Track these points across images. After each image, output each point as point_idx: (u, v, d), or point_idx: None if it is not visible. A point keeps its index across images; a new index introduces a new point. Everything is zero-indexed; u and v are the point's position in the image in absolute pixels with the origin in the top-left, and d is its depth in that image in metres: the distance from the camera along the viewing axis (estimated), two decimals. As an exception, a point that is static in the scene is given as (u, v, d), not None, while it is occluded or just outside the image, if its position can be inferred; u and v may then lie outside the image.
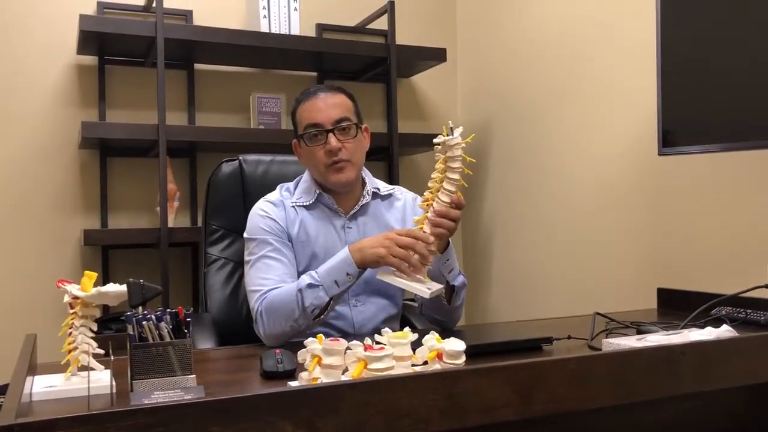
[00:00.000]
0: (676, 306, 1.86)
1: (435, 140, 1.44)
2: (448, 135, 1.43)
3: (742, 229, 1.88)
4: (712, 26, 1.72)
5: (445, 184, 1.46)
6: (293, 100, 1.78)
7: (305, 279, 1.52)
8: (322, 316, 1.53)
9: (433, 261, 1.53)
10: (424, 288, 1.47)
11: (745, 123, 1.65)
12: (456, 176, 1.45)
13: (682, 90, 1.77)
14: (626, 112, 2.25)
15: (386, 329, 1.17)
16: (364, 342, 1.09)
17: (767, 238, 1.81)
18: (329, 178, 1.67)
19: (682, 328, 1.43)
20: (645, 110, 2.14)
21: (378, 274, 1.52)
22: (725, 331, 1.31)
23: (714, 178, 1.96)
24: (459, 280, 1.63)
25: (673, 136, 1.79)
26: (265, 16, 2.60)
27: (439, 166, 1.46)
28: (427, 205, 1.49)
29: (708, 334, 1.30)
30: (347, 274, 1.50)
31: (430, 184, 1.50)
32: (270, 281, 1.59)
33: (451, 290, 1.62)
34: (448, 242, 1.57)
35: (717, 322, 1.45)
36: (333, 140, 1.65)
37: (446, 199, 1.46)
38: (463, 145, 1.43)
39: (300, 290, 1.51)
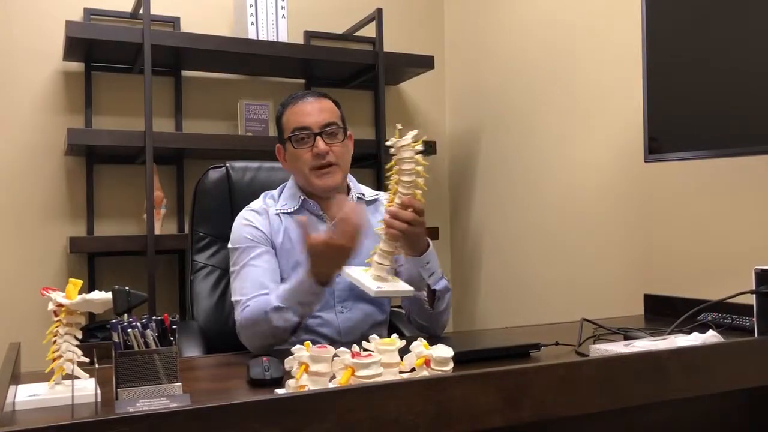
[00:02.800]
0: (663, 312, 1.87)
1: (387, 143, 1.48)
2: (398, 137, 1.46)
3: (728, 234, 1.89)
4: (697, 34, 1.74)
5: (399, 187, 1.50)
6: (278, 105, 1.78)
7: (273, 301, 1.51)
8: (298, 329, 1.53)
9: (413, 263, 1.54)
10: (373, 286, 1.47)
11: (731, 130, 1.66)
12: (407, 178, 1.48)
13: (668, 97, 1.78)
14: (613, 120, 2.27)
15: (374, 336, 1.16)
16: (352, 349, 1.09)
17: (753, 244, 1.83)
18: (315, 182, 1.66)
19: (669, 333, 1.44)
20: (631, 117, 2.15)
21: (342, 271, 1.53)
22: (711, 336, 1.32)
23: (700, 185, 1.97)
24: (441, 285, 1.63)
25: (659, 143, 1.80)
26: (252, 23, 2.60)
27: (394, 167, 1.50)
28: (389, 206, 1.52)
29: (694, 339, 1.31)
30: (312, 294, 1.49)
31: (390, 187, 1.54)
32: (251, 290, 1.58)
33: (432, 294, 1.62)
34: (428, 244, 1.57)
35: (703, 328, 1.46)
36: (321, 143, 1.65)
37: (398, 200, 1.50)
38: (417, 147, 1.46)
39: (266, 312, 1.50)
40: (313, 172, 1.66)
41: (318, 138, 1.65)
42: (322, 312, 1.67)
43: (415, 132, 1.46)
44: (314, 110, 1.68)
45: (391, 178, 1.51)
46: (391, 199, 1.52)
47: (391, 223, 1.49)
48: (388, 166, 1.51)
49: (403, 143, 1.46)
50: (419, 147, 1.47)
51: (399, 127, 1.47)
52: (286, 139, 1.70)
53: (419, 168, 1.48)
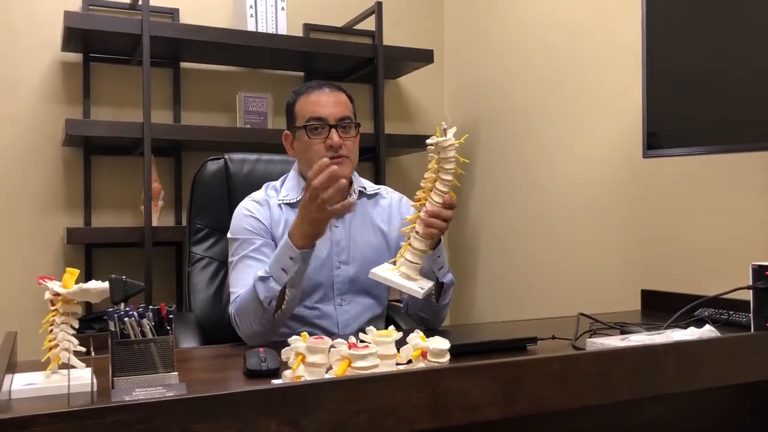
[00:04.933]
0: (660, 307, 1.87)
1: (428, 141, 1.44)
2: (441, 136, 1.43)
3: (725, 230, 1.90)
4: (697, 30, 1.73)
5: (438, 185, 1.46)
6: (284, 97, 1.78)
7: (259, 273, 1.51)
8: (282, 307, 1.51)
9: (425, 258, 1.53)
10: (417, 287, 1.46)
11: (729, 126, 1.66)
12: (449, 177, 1.45)
13: (666, 93, 1.78)
14: (612, 115, 2.27)
15: (371, 327, 1.16)
16: (349, 340, 1.09)
17: (750, 240, 1.83)
18: None
19: (665, 328, 1.44)
20: (630, 112, 2.15)
21: (370, 273, 1.51)
22: (708, 331, 1.32)
23: (698, 180, 1.98)
24: (448, 278, 1.64)
25: (658, 138, 1.80)
26: (252, 16, 2.59)
27: (432, 166, 1.47)
28: (420, 204, 1.49)
29: (690, 334, 1.31)
30: (290, 258, 1.47)
31: (422, 184, 1.50)
32: (247, 282, 1.57)
33: (440, 287, 1.62)
34: (440, 239, 1.57)
35: (700, 323, 1.46)
36: (336, 136, 1.65)
37: (438, 199, 1.47)
38: (456, 146, 1.44)
39: (254, 285, 1.50)
40: None
41: (333, 130, 1.66)
42: (320, 304, 1.67)
43: (454, 129, 1.43)
44: (330, 102, 1.69)
45: (427, 176, 1.48)
46: (423, 197, 1.49)
47: (432, 222, 1.46)
48: (429, 165, 1.47)
49: (449, 143, 1.42)
50: (458, 144, 1.44)
51: (444, 125, 1.43)
52: (299, 127, 1.70)
53: (458, 164, 1.45)
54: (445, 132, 1.43)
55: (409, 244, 1.49)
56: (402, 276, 1.47)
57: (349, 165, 1.68)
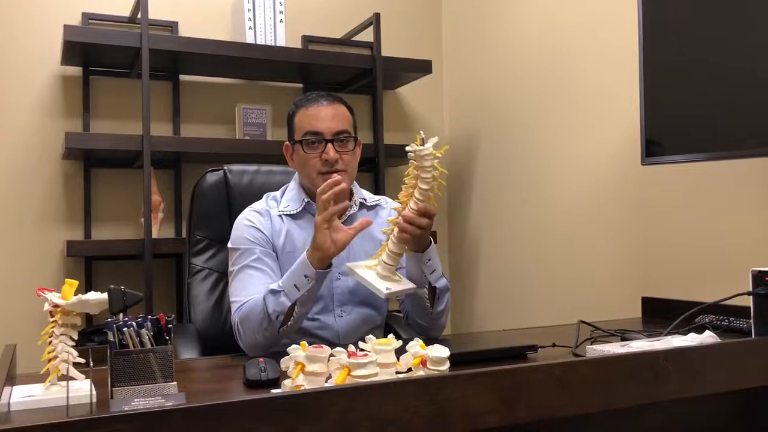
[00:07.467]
0: (661, 314, 1.87)
1: (407, 148, 1.46)
2: (420, 145, 1.44)
3: (725, 236, 1.90)
4: (694, 37, 1.74)
5: (416, 193, 1.49)
6: (283, 108, 1.78)
7: (271, 285, 1.52)
8: (289, 323, 1.52)
9: (414, 260, 1.55)
10: (383, 287, 1.48)
11: (727, 132, 1.67)
12: (426, 186, 1.47)
13: (664, 100, 1.79)
14: (610, 123, 2.27)
15: (370, 336, 1.16)
16: (348, 349, 1.09)
17: (750, 246, 1.83)
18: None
19: (666, 335, 1.44)
20: (628, 120, 2.15)
21: (345, 265, 1.53)
22: (708, 337, 1.32)
23: (697, 187, 1.98)
24: (441, 283, 1.63)
25: (656, 145, 1.81)
26: (250, 28, 2.60)
27: (411, 172, 1.49)
28: (401, 208, 1.52)
29: (691, 340, 1.31)
30: (305, 276, 1.48)
31: (403, 189, 1.53)
32: (250, 292, 1.58)
33: (432, 292, 1.62)
34: (430, 242, 1.57)
35: (700, 330, 1.46)
36: (332, 151, 1.65)
37: (414, 206, 1.49)
38: (439, 155, 1.45)
39: (264, 297, 1.51)
40: (320, 176, 1.66)
41: (329, 145, 1.66)
42: (320, 315, 1.67)
43: (435, 139, 1.45)
44: (328, 116, 1.68)
45: (407, 181, 1.50)
46: (405, 202, 1.51)
47: (405, 227, 1.49)
48: (406, 171, 1.50)
49: (426, 152, 1.44)
50: (439, 155, 1.46)
51: (422, 134, 1.46)
52: (296, 141, 1.70)
53: (437, 174, 1.47)
54: (423, 141, 1.44)
55: (387, 246, 1.50)
56: (376, 275, 1.48)
57: (346, 179, 1.68)
